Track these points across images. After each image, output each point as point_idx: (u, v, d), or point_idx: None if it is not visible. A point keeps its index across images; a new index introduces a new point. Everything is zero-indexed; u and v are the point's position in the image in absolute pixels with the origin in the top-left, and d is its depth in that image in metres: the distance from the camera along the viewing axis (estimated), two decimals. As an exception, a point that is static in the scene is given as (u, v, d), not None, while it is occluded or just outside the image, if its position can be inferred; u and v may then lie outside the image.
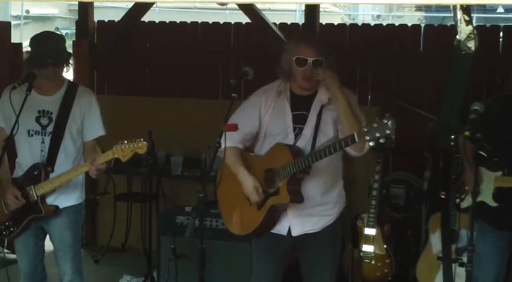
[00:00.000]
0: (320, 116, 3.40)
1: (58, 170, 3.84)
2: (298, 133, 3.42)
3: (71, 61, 3.93)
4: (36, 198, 3.80)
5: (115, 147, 3.63)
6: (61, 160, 3.86)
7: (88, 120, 3.92)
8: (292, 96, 3.45)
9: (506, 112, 3.71)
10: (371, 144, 2.96)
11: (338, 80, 3.29)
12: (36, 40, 3.88)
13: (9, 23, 6.97)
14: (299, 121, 3.43)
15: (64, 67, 3.86)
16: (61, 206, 3.88)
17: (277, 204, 3.36)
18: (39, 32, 4.00)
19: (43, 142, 3.85)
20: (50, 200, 3.85)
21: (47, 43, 3.83)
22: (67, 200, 3.92)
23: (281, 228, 3.47)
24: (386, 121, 2.89)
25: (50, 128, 3.86)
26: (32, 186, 3.80)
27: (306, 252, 3.53)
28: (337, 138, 3.35)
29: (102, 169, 3.70)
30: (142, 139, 3.62)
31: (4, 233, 3.92)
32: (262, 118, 3.49)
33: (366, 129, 2.94)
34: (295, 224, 3.44)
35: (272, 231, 3.48)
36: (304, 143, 3.40)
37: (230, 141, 3.41)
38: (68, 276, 3.96)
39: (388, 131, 2.88)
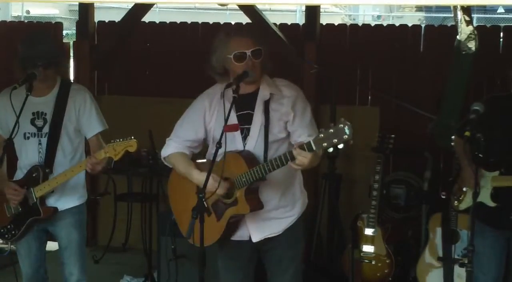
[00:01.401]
0: (268, 114, 3.27)
1: (56, 170, 3.82)
2: (246, 134, 3.30)
3: (62, 62, 3.90)
4: (35, 200, 3.78)
5: (107, 145, 3.63)
6: (59, 160, 3.84)
7: (85, 117, 3.88)
8: (235, 96, 3.18)
9: (495, 113, 3.71)
10: (330, 150, 2.84)
11: (309, 159, 2.93)
12: (25, 42, 3.84)
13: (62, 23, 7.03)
14: (245, 121, 3.29)
15: (55, 68, 3.81)
16: (63, 208, 3.87)
17: (237, 214, 3.27)
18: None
19: (40, 143, 3.83)
20: (51, 202, 3.84)
21: (37, 45, 3.77)
22: (69, 201, 3.91)
23: (242, 234, 3.38)
24: (342, 126, 2.77)
25: (46, 129, 3.83)
26: (31, 189, 3.78)
27: (267, 253, 3.45)
28: (287, 138, 3.29)
29: (98, 165, 3.65)
30: (133, 137, 3.58)
31: (6, 236, 3.93)
32: (208, 124, 3.36)
33: (322, 136, 2.82)
34: (254, 230, 3.35)
35: (233, 239, 3.39)
36: (253, 144, 3.28)
37: (172, 147, 3.43)
38: (75, 277, 3.96)
39: (346, 137, 2.76)
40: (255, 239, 3.36)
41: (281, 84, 3.38)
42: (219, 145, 3.07)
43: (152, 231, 5.47)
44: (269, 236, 3.37)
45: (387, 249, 4.86)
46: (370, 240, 4.84)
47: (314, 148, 2.86)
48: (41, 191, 3.77)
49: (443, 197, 4.74)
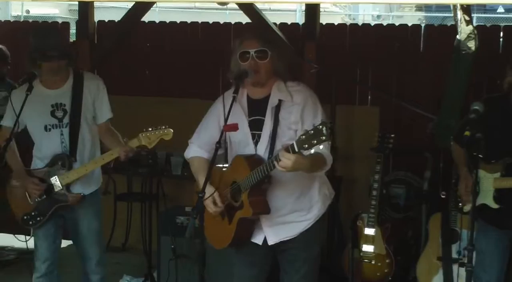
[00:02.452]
0: (278, 121, 3.29)
1: (78, 157, 3.99)
2: (257, 140, 3.33)
3: (73, 54, 4.05)
4: (61, 188, 3.92)
5: (140, 134, 3.79)
6: (80, 147, 3.99)
7: (98, 103, 4.05)
8: (248, 101, 3.36)
9: (495, 113, 3.69)
10: (311, 151, 2.87)
11: (293, 161, 2.94)
12: (38, 34, 3.94)
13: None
14: (256, 127, 3.33)
15: (68, 59, 3.92)
16: (85, 193, 4.03)
17: (244, 217, 3.29)
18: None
19: (62, 134, 3.97)
20: (76, 189, 4.00)
21: (50, 37, 3.88)
22: (88, 187, 4.06)
23: (256, 238, 3.41)
24: (321, 127, 2.81)
25: (66, 119, 3.97)
26: (56, 177, 3.92)
27: (282, 254, 3.48)
28: None
29: (130, 153, 3.84)
30: (167, 126, 3.82)
31: (30, 223, 4.05)
32: (221, 127, 3.33)
33: (304, 137, 2.85)
34: (269, 233, 3.38)
35: (251, 240, 3.43)
36: (263, 149, 3.31)
37: (192, 151, 3.52)
38: (95, 261, 4.15)
39: (323, 138, 2.80)
40: (271, 242, 3.40)
41: (293, 89, 3.36)
42: (218, 144, 3.10)
43: (152, 230, 5.47)
44: (284, 239, 3.40)
45: (387, 248, 4.86)
46: (370, 240, 4.84)
47: (296, 149, 2.89)
48: (68, 178, 3.92)
49: (443, 196, 4.75)
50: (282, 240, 3.39)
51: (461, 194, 3.88)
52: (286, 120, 3.30)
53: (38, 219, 4.01)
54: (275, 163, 2.98)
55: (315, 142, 2.82)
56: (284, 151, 2.94)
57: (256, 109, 3.33)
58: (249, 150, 3.33)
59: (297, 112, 3.29)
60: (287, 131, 3.29)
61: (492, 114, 3.61)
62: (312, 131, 2.83)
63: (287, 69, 3.36)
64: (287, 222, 3.37)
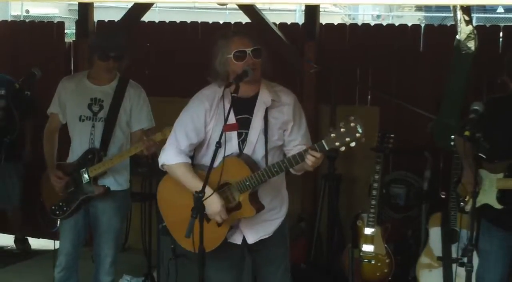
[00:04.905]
0: (267, 120, 3.27)
1: (108, 153, 4.12)
2: (244, 138, 3.28)
3: (128, 59, 4.19)
4: (88, 179, 4.06)
5: (165, 128, 3.85)
6: (111, 145, 4.13)
7: (135, 111, 4.19)
8: (234, 100, 3.12)
9: (495, 114, 3.69)
10: (342, 149, 2.88)
11: (321, 159, 3.04)
12: (102, 33, 4.34)
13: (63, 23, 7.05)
14: (243, 125, 3.26)
15: (122, 62, 4.13)
16: (113, 189, 4.15)
17: (241, 218, 3.31)
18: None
19: (93, 127, 4.12)
20: (102, 182, 4.12)
21: (112, 38, 4.18)
22: (115, 184, 4.18)
23: (235, 238, 3.40)
24: (354, 124, 2.81)
25: (101, 114, 4.13)
26: (85, 169, 4.07)
27: (259, 253, 3.50)
28: (282, 146, 3.33)
29: (153, 147, 3.92)
30: None
31: (57, 213, 4.20)
32: (207, 126, 3.30)
33: (334, 135, 2.85)
34: (249, 232, 3.39)
35: (229, 240, 3.40)
36: (251, 149, 3.27)
37: (174, 156, 3.31)
38: (110, 259, 4.24)
39: (358, 135, 2.80)
40: (250, 241, 3.41)
41: (278, 89, 3.36)
42: (218, 144, 3.04)
43: (152, 230, 5.47)
44: (262, 237, 3.43)
45: (387, 248, 4.86)
46: (370, 240, 4.84)
47: (326, 147, 2.90)
48: (95, 170, 4.07)
49: (443, 196, 4.75)
50: (261, 238, 3.42)
51: (464, 184, 3.85)
52: (278, 120, 3.29)
53: (65, 209, 4.15)
54: (307, 160, 2.98)
55: (348, 139, 2.82)
56: (311, 149, 2.95)
57: (243, 108, 3.25)
58: (230, 147, 3.22)
59: (289, 113, 3.31)
60: (276, 131, 3.29)
61: (494, 114, 3.61)
62: (344, 129, 2.81)
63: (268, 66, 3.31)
64: (264, 220, 3.40)
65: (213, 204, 3.18)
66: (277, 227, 3.46)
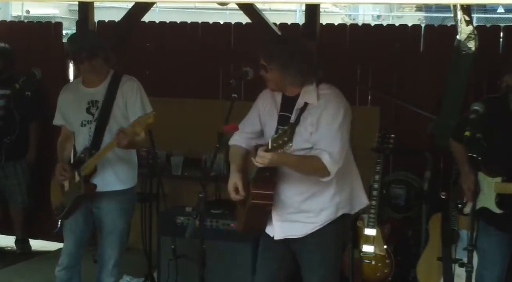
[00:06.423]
0: (299, 120, 3.37)
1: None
2: None
3: (104, 53, 4.13)
4: (79, 178, 4.05)
5: (132, 122, 3.84)
6: (107, 142, 4.07)
7: (130, 103, 4.16)
8: (283, 97, 3.50)
9: (495, 115, 3.67)
10: (287, 150, 3.00)
11: (268, 161, 3.13)
12: (70, 40, 4.29)
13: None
14: (283, 122, 3.40)
15: (101, 59, 4.09)
16: (107, 189, 4.11)
17: (249, 205, 3.39)
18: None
19: (90, 128, 4.13)
20: (95, 181, 4.08)
21: (79, 41, 4.16)
22: (119, 183, 4.18)
23: (269, 230, 3.53)
24: (286, 128, 2.94)
25: (97, 115, 4.14)
26: (78, 168, 4.07)
27: (297, 255, 3.55)
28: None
29: (123, 139, 3.80)
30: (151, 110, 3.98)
31: (55, 212, 4.26)
32: (261, 118, 3.58)
33: (275, 136, 2.99)
34: (277, 227, 3.48)
35: (266, 231, 3.55)
36: None
37: (234, 140, 3.65)
38: (113, 261, 4.21)
39: (286, 139, 2.91)
40: (276, 237, 3.49)
41: (322, 92, 3.44)
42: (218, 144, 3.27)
43: (152, 231, 5.47)
44: (291, 237, 3.48)
45: (387, 249, 4.86)
46: (370, 240, 4.84)
47: (269, 147, 3.01)
48: (86, 168, 4.05)
49: (443, 197, 4.75)
50: (287, 237, 3.47)
51: (463, 189, 3.84)
52: (305, 122, 3.37)
53: (62, 209, 4.19)
54: (252, 158, 3.16)
55: (280, 142, 2.93)
56: (261, 148, 3.10)
57: (287, 106, 3.46)
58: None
59: (315, 115, 3.36)
60: (303, 132, 3.35)
61: (491, 115, 3.59)
62: (280, 131, 2.95)
63: (304, 75, 3.40)
64: (295, 220, 3.44)
65: (229, 180, 3.48)
66: (311, 231, 3.45)
